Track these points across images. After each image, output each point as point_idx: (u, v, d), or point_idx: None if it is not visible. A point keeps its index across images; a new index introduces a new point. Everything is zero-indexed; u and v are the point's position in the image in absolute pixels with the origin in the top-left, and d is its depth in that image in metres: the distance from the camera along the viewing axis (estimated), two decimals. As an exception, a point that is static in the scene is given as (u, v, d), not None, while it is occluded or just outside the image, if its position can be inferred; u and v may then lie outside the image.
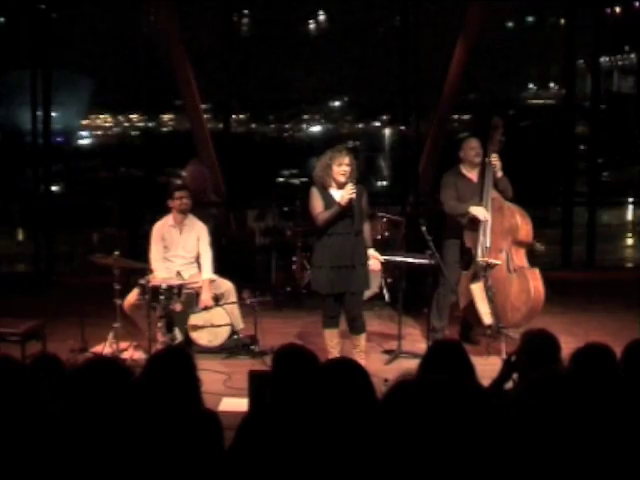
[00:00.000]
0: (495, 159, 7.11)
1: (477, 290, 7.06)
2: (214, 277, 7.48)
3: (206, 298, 7.27)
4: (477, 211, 7.07)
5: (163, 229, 7.50)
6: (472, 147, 7.28)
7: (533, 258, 7.56)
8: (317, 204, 6.55)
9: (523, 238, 7.16)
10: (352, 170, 6.53)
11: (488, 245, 7.08)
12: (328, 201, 6.54)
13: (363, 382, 2.97)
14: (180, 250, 7.48)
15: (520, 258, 7.18)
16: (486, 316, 7.02)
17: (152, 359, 3.40)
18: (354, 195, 6.40)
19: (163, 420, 3.08)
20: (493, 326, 7.02)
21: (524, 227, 7.14)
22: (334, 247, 6.51)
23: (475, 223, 7.11)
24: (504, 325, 7.02)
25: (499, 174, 7.14)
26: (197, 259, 7.53)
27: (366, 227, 6.77)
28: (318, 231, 6.60)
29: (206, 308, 7.25)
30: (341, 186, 6.52)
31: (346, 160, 6.50)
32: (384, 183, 15.76)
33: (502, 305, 7.04)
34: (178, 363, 3.28)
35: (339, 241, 6.52)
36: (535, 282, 7.08)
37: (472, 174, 7.33)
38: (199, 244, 7.50)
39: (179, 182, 9.46)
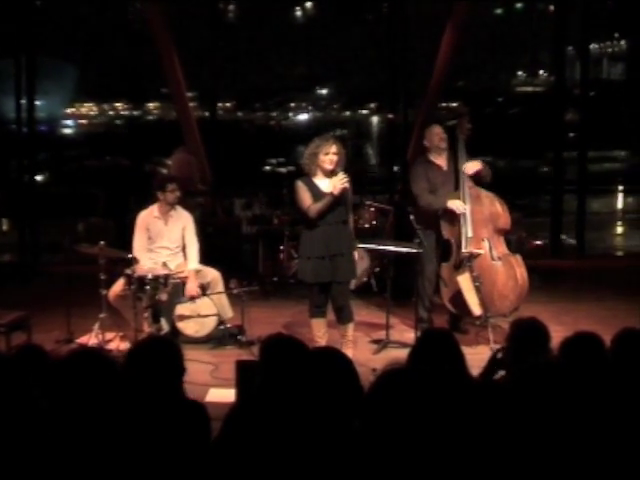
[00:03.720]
0: (471, 166, 7.07)
1: (465, 281, 7.02)
2: (200, 267, 7.41)
3: (192, 288, 7.21)
4: (454, 204, 7.04)
5: (148, 219, 7.40)
6: (436, 133, 7.26)
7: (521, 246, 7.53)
8: (305, 197, 6.48)
9: (503, 225, 7.19)
10: (340, 159, 6.47)
11: (470, 235, 7.04)
12: (315, 192, 6.47)
13: (347, 370, 2.93)
14: (165, 241, 7.39)
15: (501, 245, 7.19)
16: (475, 307, 6.99)
17: (134, 348, 3.34)
18: (347, 184, 6.35)
19: (149, 411, 3.05)
20: (482, 316, 6.98)
21: (504, 214, 7.16)
22: (324, 237, 6.44)
23: (452, 214, 7.07)
24: (492, 314, 6.99)
25: (480, 167, 7.11)
26: (183, 249, 7.45)
27: (350, 218, 6.71)
28: (308, 223, 6.53)
29: (193, 298, 7.20)
30: (327, 174, 6.46)
31: (333, 149, 6.44)
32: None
33: (489, 294, 7.01)
34: (160, 352, 3.23)
35: (329, 231, 6.45)
36: (520, 269, 7.09)
37: (440, 160, 7.29)
38: (185, 234, 7.42)
39: (166, 173, 9.28)
